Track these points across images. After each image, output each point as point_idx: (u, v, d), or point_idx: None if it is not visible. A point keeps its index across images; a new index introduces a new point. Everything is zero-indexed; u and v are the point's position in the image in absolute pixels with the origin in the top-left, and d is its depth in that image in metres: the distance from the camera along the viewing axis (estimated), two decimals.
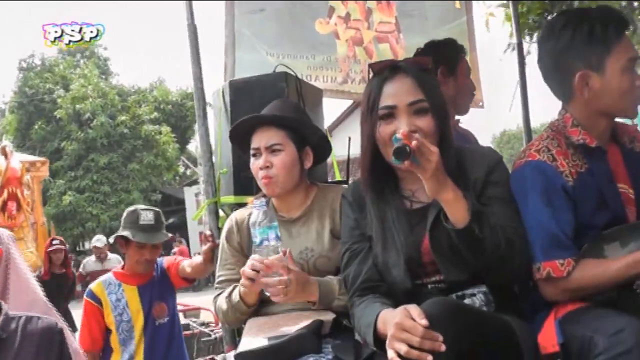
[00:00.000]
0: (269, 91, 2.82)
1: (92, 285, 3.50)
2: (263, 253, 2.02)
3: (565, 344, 1.72)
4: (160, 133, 26.53)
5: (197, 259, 3.25)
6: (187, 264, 3.40)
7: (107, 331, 3.40)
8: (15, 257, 2.19)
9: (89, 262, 8.39)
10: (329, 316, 2.10)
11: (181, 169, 32.21)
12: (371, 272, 1.96)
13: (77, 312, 4.22)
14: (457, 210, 1.74)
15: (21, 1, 41.31)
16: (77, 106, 25.39)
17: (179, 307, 4.33)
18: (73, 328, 6.56)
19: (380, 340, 1.72)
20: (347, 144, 2.87)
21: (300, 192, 2.36)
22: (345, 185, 2.52)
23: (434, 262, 1.87)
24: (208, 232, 2.99)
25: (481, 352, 1.59)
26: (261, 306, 2.27)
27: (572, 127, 1.98)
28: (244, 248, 2.37)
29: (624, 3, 5.66)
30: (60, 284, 7.27)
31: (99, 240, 8.71)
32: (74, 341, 2.30)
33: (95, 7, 56.97)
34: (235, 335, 2.83)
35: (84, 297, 3.50)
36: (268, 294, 2.06)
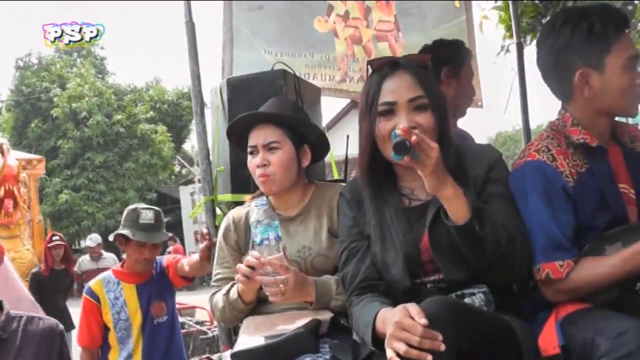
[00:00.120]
0: (267, 89, 2.81)
1: (92, 283, 3.51)
2: (263, 252, 2.01)
3: (566, 346, 1.70)
4: (156, 132, 26.58)
5: (194, 257, 3.24)
6: (185, 263, 3.39)
7: (106, 329, 3.40)
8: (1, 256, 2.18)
9: (84, 261, 8.38)
10: (326, 315, 2.09)
11: (177, 168, 32.27)
12: (369, 270, 1.94)
13: (74, 310, 4.23)
14: (457, 207, 1.73)
15: (21, 1, 41.27)
16: (74, 105, 25.45)
17: None
18: (71, 325, 6.59)
19: (378, 340, 1.70)
20: (344, 144, 2.86)
21: (297, 190, 2.34)
22: (343, 184, 2.50)
23: (433, 261, 1.85)
24: (205, 230, 2.98)
25: (481, 352, 1.57)
26: (258, 305, 2.26)
27: (572, 126, 1.96)
28: (241, 246, 2.36)
29: (619, 3, 5.66)
30: (59, 281, 7.28)
31: (91, 239, 8.72)
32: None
33: (95, 7, 57.01)
34: (231, 334, 2.82)
35: (84, 294, 3.51)
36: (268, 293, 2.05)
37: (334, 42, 4.07)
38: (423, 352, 1.49)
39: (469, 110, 3.44)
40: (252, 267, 2.01)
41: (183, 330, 5.30)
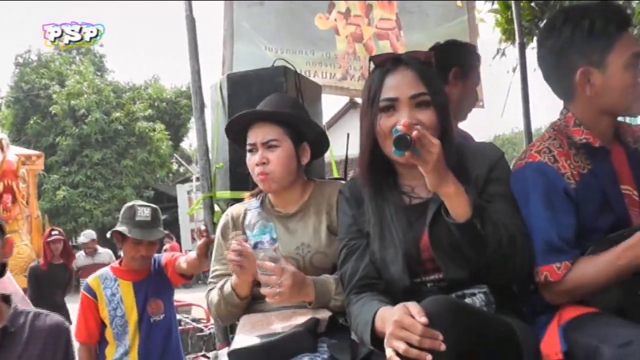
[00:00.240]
0: (267, 85, 2.80)
1: (89, 279, 3.52)
2: (259, 257, 2.00)
3: (568, 352, 1.68)
4: (154, 130, 26.57)
5: (192, 254, 3.23)
6: (183, 260, 3.38)
7: (103, 325, 3.42)
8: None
9: (80, 257, 8.38)
10: (325, 314, 2.07)
11: (174, 167, 32.26)
12: (369, 269, 1.92)
13: (72, 305, 4.24)
14: (458, 205, 1.71)
15: (21, 1, 41.27)
16: (72, 102, 25.44)
17: None
18: (68, 321, 6.58)
19: (377, 339, 1.68)
20: (343, 143, 2.85)
21: (297, 188, 2.33)
22: (343, 181, 2.49)
23: (433, 260, 1.83)
24: (203, 227, 2.97)
25: (481, 352, 1.55)
26: (255, 303, 2.24)
27: (574, 126, 1.94)
28: None
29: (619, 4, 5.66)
30: (57, 275, 7.28)
31: (84, 235, 8.73)
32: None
33: (95, 7, 57.01)
34: (227, 332, 2.81)
35: (81, 290, 3.53)
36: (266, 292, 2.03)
37: (335, 39, 4.06)
38: (423, 351, 1.46)
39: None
40: (240, 254, 2.01)
41: (179, 328, 5.31)
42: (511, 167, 2.01)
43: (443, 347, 1.46)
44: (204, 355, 5.49)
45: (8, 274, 2.35)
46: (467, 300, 1.76)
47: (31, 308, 2.04)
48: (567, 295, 1.81)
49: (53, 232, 7.34)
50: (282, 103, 2.36)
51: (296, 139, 2.28)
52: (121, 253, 3.55)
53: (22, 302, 2.30)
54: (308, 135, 2.33)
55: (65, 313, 6.78)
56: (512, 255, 1.75)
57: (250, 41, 3.67)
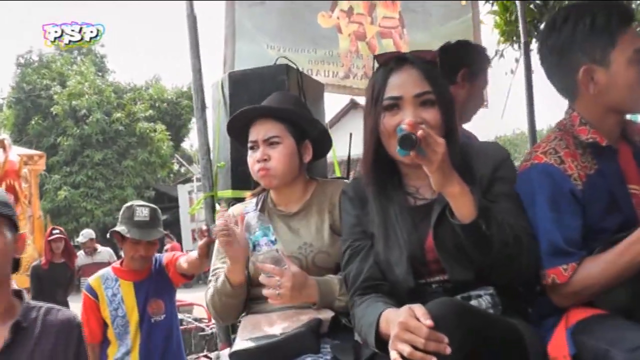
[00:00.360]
0: (269, 84, 2.79)
1: (91, 280, 3.54)
2: (259, 259, 1.99)
3: (577, 355, 1.65)
4: (155, 131, 26.64)
5: (193, 254, 3.23)
6: (184, 260, 3.38)
7: (105, 325, 3.43)
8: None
9: (80, 257, 8.41)
10: (327, 314, 2.05)
11: (175, 167, 32.33)
12: (373, 270, 1.89)
13: (74, 305, 4.24)
14: (463, 205, 1.68)
15: (21, 1, 41.35)
16: (73, 102, 25.52)
17: None
18: None
19: (382, 341, 1.65)
20: (344, 143, 2.83)
21: (299, 186, 2.30)
22: (346, 180, 2.47)
23: (438, 261, 1.81)
24: (204, 227, 2.96)
25: (487, 355, 1.52)
26: (257, 303, 2.21)
27: (580, 125, 1.91)
28: None
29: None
30: (59, 275, 7.30)
31: (82, 235, 8.80)
32: None
33: (95, 7, 57.08)
34: (229, 332, 2.80)
35: (83, 290, 3.55)
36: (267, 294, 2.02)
37: (338, 37, 4.05)
38: (428, 354, 1.44)
39: None
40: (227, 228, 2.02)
41: (181, 327, 5.31)
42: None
43: (448, 350, 1.44)
44: (205, 356, 5.47)
45: None
46: (473, 302, 1.73)
47: (43, 303, 2.03)
48: (575, 297, 1.78)
49: (54, 231, 7.39)
50: (285, 101, 2.35)
51: (298, 136, 2.26)
52: (122, 253, 3.55)
53: None
54: (310, 134, 2.31)
55: None
56: (517, 256, 1.73)
57: (252, 40, 3.65)
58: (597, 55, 1.85)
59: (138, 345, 3.37)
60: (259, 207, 2.31)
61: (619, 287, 1.73)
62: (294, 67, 2.93)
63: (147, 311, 3.41)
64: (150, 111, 27.15)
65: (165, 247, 15.08)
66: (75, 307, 3.56)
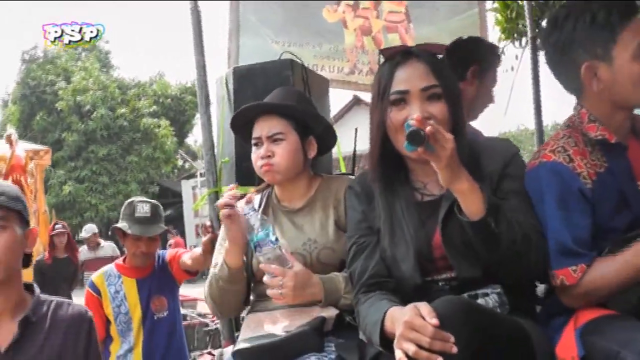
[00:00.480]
0: (273, 79, 2.76)
1: (94, 276, 3.53)
2: (262, 259, 1.98)
3: (586, 356, 1.62)
4: (159, 126, 26.80)
5: (197, 250, 3.22)
6: (188, 257, 3.36)
7: (107, 321, 3.42)
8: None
9: (83, 251, 8.43)
10: (332, 312, 2.03)
11: (179, 162, 32.43)
12: (378, 267, 1.86)
13: (78, 299, 4.24)
14: (472, 202, 1.65)
15: (21, 1, 41.41)
16: (78, 98, 25.71)
17: None
18: None
19: (387, 340, 1.63)
20: (348, 138, 2.81)
21: (303, 182, 2.28)
22: (351, 176, 2.44)
23: (446, 258, 1.78)
24: (208, 223, 2.95)
25: (493, 354, 1.50)
26: (261, 302, 2.19)
27: (588, 122, 1.88)
28: None
29: None
30: (62, 269, 7.32)
31: (85, 230, 8.83)
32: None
33: (95, 7, 57.20)
34: (233, 329, 2.80)
35: (86, 286, 3.56)
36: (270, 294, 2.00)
37: (343, 32, 4.02)
38: (433, 354, 1.42)
39: None
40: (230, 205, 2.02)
41: (185, 322, 5.32)
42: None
43: (454, 349, 1.41)
44: (209, 353, 5.45)
45: None
46: (480, 300, 1.71)
47: (53, 297, 2.02)
48: (585, 298, 1.75)
49: (57, 226, 7.42)
50: (288, 96, 2.32)
51: (302, 132, 2.23)
52: (125, 249, 3.54)
53: None
54: (315, 129, 2.28)
55: None
56: (526, 253, 1.70)
57: (257, 34, 3.63)
58: (598, 51, 1.82)
59: (141, 342, 3.36)
60: (262, 204, 2.29)
61: (630, 287, 1.70)
62: (299, 62, 2.90)
63: (150, 308, 3.40)
64: (155, 107, 27.30)
65: (169, 243, 15.13)
66: (79, 302, 3.56)
